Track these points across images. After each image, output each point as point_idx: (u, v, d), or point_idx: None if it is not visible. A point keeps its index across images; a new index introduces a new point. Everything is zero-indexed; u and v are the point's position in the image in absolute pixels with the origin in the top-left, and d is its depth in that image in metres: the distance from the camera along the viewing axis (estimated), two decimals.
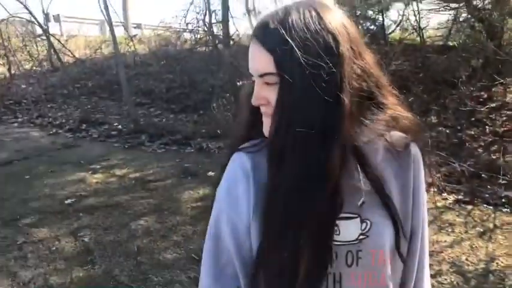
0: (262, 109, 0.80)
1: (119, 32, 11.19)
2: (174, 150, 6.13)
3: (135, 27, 14.74)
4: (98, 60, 10.32)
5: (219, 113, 7.13)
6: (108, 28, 9.31)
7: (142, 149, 6.12)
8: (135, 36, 10.87)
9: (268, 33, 0.75)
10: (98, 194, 4.39)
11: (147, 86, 8.81)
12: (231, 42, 7.51)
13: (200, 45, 8.59)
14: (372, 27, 8.53)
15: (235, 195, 0.80)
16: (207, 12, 7.98)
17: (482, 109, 5.82)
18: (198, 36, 8.56)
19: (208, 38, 8.19)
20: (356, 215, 0.79)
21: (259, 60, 0.76)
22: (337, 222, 0.77)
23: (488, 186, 4.47)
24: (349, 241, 0.79)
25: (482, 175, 4.64)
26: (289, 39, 0.71)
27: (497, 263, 3.18)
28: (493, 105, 5.90)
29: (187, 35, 9.03)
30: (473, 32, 7.52)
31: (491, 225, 3.78)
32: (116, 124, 7.20)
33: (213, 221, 0.85)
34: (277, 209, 0.74)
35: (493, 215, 3.97)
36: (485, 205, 4.17)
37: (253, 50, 0.78)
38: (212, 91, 7.84)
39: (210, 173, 5.09)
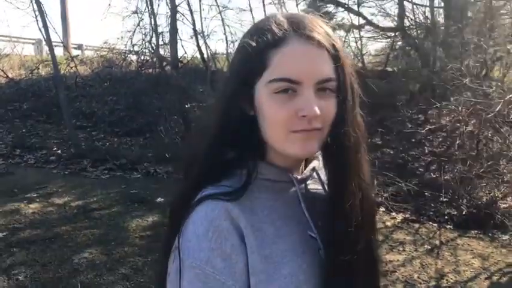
0: (310, 123, 0.65)
1: (58, 52, 10.69)
2: (119, 175, 5.82)
3: (75, 48, 14.17)
4: (35, 81, 9.72)
5: (167, 136, 6.94)
6: (45, 48, 8.83)
7: (84, 175, 5.76)
8: (76, 56, 10.41)
9: (319, 35, 0.65)
10: (35, 225, 4.02)
11: (89, 108, 8.40)
12: (179, 65, 7.40)
13: (146, 67, 8.40)
14: None
15: (231, 257, 0.63)
16: (154, 34, 7.86)
17: (421, 131, 6.16)
18: (145, 58, 8.37)
19: (155, 60, 8.03)
20: None
21: (322, 63, 0.65)
22: None
23: (432, 204, 4.70)
24: None
25: (426, 193, 4.87)
26: (338, 48, 0.67)
27: (446, 280, 3.29)
28: (431, 127, 6.27)
29: (132, 57, 8.81)
30: (410, 59, 8.07)
31: (437, 242, 3.93)
32: (54, 149, 6.73)
33: None
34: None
35: (438, 232, 4.15)
36: (430, 222, 4.36)
37: (308, 49, 0.64)
38: (159, 114, 7.65)
39: (159, 199, 4.87)
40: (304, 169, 0.76)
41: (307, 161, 0.77)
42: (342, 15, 8.70)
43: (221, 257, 0.62)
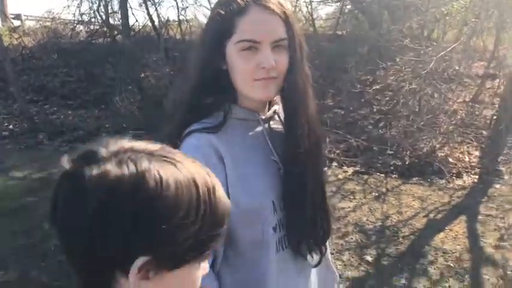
0: (268, 73, 0.84)
1: None
2: (77, 147, 5.80)
3: (13, 18, 13.28)
4: None
5: (123, 106, 6.90)
6: None
7: (41, 148, 5.68)
8: (18, 27, 9.83)
9: (273, 4, 0.83)
10: None
11: (38, 81, 8.10)
12: (132, 33, 7.26)
13: (97, 37, 8.14)
14: None
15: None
16: (102, 2, 7.60)
17: (369, 91, 6.54)
18: (94, 27, 8.10)
19: (105, 29, 7.80)
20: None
21: (276, 26, 0.83)
22: None
23: (380, 157, 5.12)
24: None
25: (374, 148, 5.28)
26: (288, 14, 0.85)
27: (391, 220, 3.71)
28: (378, 87, 6.66)
29: (81, 27, 8.48)
30: (358, 22, 8.37)
31: (384, 190, 4.36)
32: (6, 124, 6.53)
33: None
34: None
35: (384, 181, 4.57)
36: (378, 173, 4.78)
37: (265, 16, 0.83)
38: (113, 84, 7.53)
39: None
40: (268, 111, 0.97)
41: (270, 105, 0.97)
42: None
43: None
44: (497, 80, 6.42)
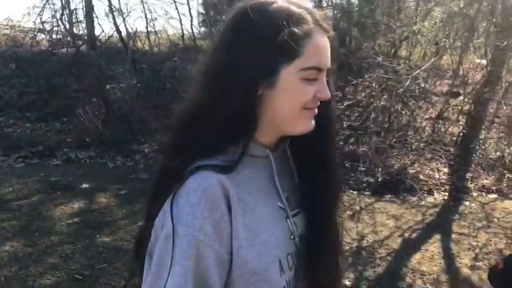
0: (316, 104, 0.75)
1: None
2: (35, 163, 5.44)
3: None
4: None
5: (87, 119, 6.58)
6: None
7: None
8: None
9: (329, 26, 0.75)
10: None
11: None
12: (97, 44, 6.98)
13: (59, 46, 7.79)
14: None
15: (220, 224, 0.68)
16: (65, 11, 7.28)
17: (340, 107, 6.54)
18: (57, 36, 7.75)
19: (69, 38, 7.47)
20: (300, 209, 0.83)
21: (329, 55, 0.75)
22: (294, 219, 0.80)
23: (352, 174, 5.08)
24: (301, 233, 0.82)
25: (346, 164, 5.25)
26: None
27: (366, 240, 3.63)
28: (348, 103, 6.69)
29: (42, 36, 8.10)
30: None
31: (358, 208, 4.30)
32: None
33: (189, 262, 0.66)
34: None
35: (358, 199, 4.52)
36: (351, 190, 4.73)
37: (325, 40, 0.73)
38: (76, 96, 7.19)
39: (84, 185, 4.67)
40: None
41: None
42: None
43: (211, 224, 0.67)
44: (461, 97, 6.60)
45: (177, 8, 9.23)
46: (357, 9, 7.99)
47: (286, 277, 0.76)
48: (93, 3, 6.76)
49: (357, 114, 6.93)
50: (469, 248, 3.51)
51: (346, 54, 7.07)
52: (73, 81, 7.50)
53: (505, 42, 4.31)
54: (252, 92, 0.71)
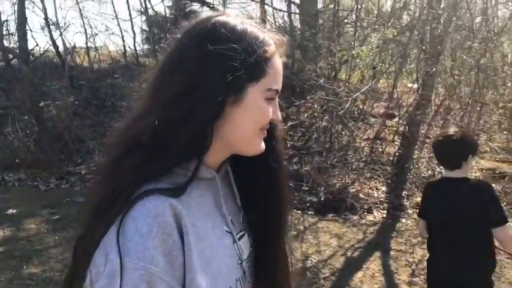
0: (268, 125, 0.75)
1: None
2: None
3: None
4: None
5: (17, 138, 6.12)
6: None
7: None
8: None
9: (284, 48, 0.76)
10: None
11: None
12: (31, 58, 6.58)
13: None
14: None
15: (172, 253, 0.62)
16: None
17: (283, 127, 6.66)
18: None
19: None
20: (243, 231, 0.80)
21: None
22: (240, 243, 0.76)
23: (296, 194, 5.14)
24: (247, 257, 0.79)
25: (290, 184, 5.30)
26: None
27: (311, 261, 3.65)
28: (291, 123, 6.82)
29: None
30: None
31: (302, 228, 4.33)
32: None
33: None
34: None
35: (302, 218, 4.57)
36: (295, 210, 4.77)
37: (281, 63, 0.74)
38: (5, 113, 6.69)
39: (11, 211, 4.29)
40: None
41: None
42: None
43: (163, 254, 0.61)
44: (396, 119, 6.99)
45: (119, 24, 9.00)
46: (299, 32, 8.28)
47: None
48: (27, 15, 6.38)
49: (300, 134, 7.08)
50: (406, 265, 3.64)
51: (289, 76, 7.27)
52: (2, 97, 6.99)
53: (434, 69, 4.63)
54: (219, 110, 0.68)
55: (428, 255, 2.20)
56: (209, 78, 0.67)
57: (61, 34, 7.12)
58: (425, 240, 2.25)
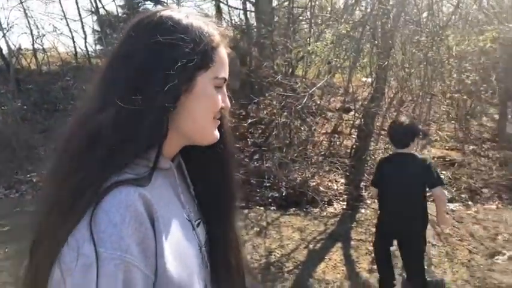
0: (219, 114, 0.78)
1: None
2: None
3: None
4: None
5: None
6: None
7: None
8: None
9: (229, 39, 0.79)
10: None
11: None
12: None
13: None
14: None
15: (144, 241, 0.64)
16: None
17: (244, 124, 6.66)
18: None
19: None
20: (199, 219, 0.82)
21: None
22: (197, 229, 0.79)
23: (258, 190, 5.16)
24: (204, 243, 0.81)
25: (252, 181, 5.32)
26: None
27: (274, 256, 3.68)
28: (251, 120, 6.84)
29: None
30: (229, 59, 8.60)
31: (265, 224, 4.36)
32: None
33: (121, 285, 0.60)
34: None
35: (264, 214, 4.59)
36: (257, 207, 4.79)
37: (227, 53, 0.78)
38: None
39: None
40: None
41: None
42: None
43: (137, 242, 0.62)
44: (352, 112, 7.18)
45: (68, 25, 8.61)
46: (255, 30, 8.30)
47: None
48: None
49: (260, 131, 7.11)
50: (366, 253, 3.75)
51: (247, 74, 7.28)
52: None
53: (385, 62, 4.79)
54: (174, 99, 0.70)
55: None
56: (161, 68, 0.69)
57: (4, 35, 6.74)
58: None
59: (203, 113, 0.74)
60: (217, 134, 0.77)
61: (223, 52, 0.76)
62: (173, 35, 0.70)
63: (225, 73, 0.76)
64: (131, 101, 0.67)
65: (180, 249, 0.71)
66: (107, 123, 0.66)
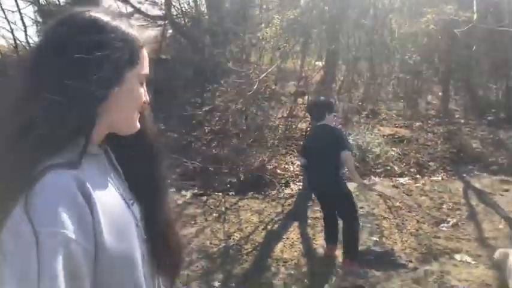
0: (141, 106, 0.86)
1: None
2: None
3: None
4: None
5: None
6: None
7: None
8: None
9: None
10: None
11: None
12: None
13: None
14: None
15: (82, 217, 0.68)
16: None
17: (200, 113, 6.64)
18: None
19: None
20: (132, 199, 0.87)
21: None
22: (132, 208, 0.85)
23: (216, 177, 5.20)
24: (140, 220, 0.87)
25: (210, 168, 5.35)
26: None
27: (233, 239, 3.75)
28: (207, 108, 6.84)
29: None
30: (181, 47, 8.49)
31: (223, 209, 4.42)
32: None
33: (60, 264, 0.63)
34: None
35: (223, 200, 4.65)
36: (216, 193, 4.84)
37: (147, 56, 0.85)
38: None
39: None
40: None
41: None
42: (108, 3, 8.39)
43: (73, 219, 0.66)
44: (306, 96, 7.35)
45: (6, 17, 8.12)
46: (206, 17, 8.22)
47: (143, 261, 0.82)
48: None
49: (217, 118, 7.13)
50: (322, 230, 3.90)
51: (201, 61, 7.23)
52: None
53: (333, 46, 4.93)
54: (105, 93, 0.75)
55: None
56: (94, 63, 0.73)
57: None
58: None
59: (129, 105, 0.82)
60: (138, 124, 0.85)
61: (145, 52, 0.84)
62: (104, 33, 0.77)
63: (147, 70, 0.84)
64: (63, 92, 0.71)
65: (118, 224, 0.75)
66: (39, 112, 0.69)
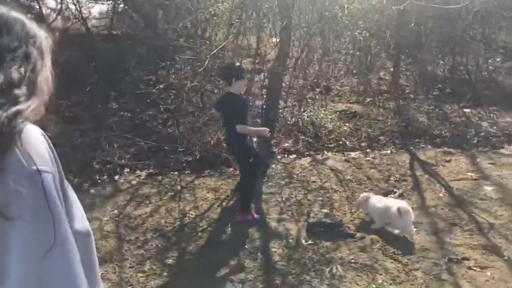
0: None
1: None
2: None
3: None
4: None
5: None
6: None
7: None
8: None
9: None
10: None
11: None
12: None
13: None
14: (29, 15, 7.83)
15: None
16: None
17: (154, 91, 6.50)
18: None
19: None
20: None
21: None
22: None
23: (172, 156, 5.17)
24: None
25: (165, 148, 5.30)
26: None
27: (188, 217, 3.78)
28: (162, 86, 6.70)
29: None
30: (133, 22, 8.19)
31: (179, 188, 4.42)
32: None
33: (64, 227, 0.81)
34: None
35: (179, 179, 4.64)
36: (172, 172, 4.82)
37: None
38: None
39: None
40: None
41: None
42: None
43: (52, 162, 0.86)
44: (263, 74, 7.36)
45: None
46: None
47: None
48: None
49: (172, 97, 7.01)
50: (276, 204, 4.02)
51: (154, 37, 7.02)
52: None
53: (285, 22, 4.94)
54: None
55: None
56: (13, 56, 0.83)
57: None
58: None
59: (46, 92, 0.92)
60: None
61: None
62: (16, 27, 0.88)
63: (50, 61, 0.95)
64: None
65: None
66: None
